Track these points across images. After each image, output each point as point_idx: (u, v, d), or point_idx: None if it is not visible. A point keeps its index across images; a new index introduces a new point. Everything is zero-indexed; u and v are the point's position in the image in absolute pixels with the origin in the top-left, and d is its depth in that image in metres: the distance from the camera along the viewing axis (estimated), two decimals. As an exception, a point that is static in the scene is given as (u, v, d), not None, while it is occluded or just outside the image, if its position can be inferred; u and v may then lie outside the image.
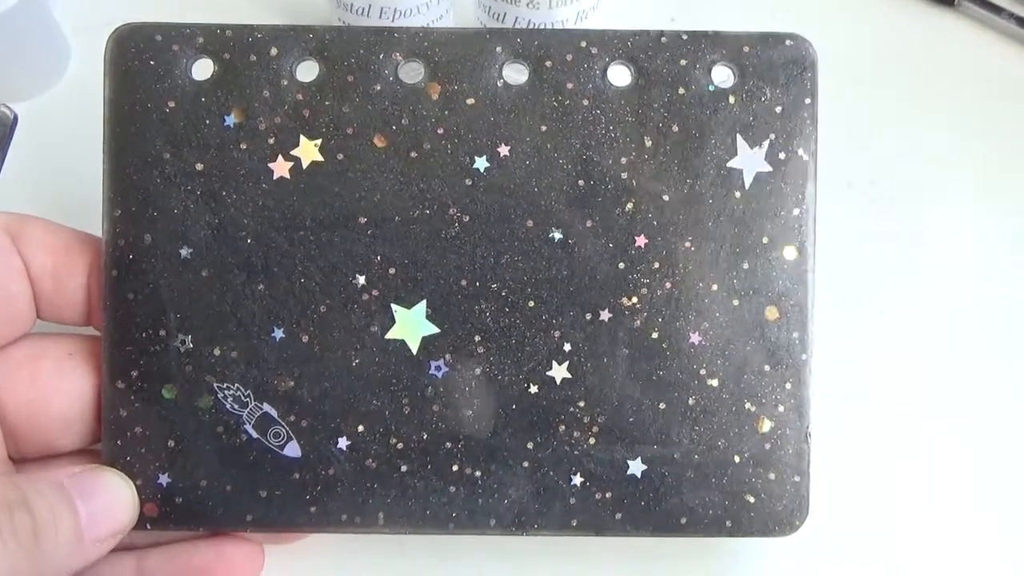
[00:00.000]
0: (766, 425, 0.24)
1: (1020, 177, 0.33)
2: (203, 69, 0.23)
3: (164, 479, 0.23)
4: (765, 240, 0.24)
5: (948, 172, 0.33)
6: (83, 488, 0.22)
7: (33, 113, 0.32)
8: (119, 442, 0.23)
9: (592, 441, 0.23)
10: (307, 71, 0.23)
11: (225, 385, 0.23)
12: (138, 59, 0.23)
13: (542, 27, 0.30)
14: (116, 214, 0.23)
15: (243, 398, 0.23)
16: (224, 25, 0.23)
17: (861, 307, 0.30)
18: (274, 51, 0.23)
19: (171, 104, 0.23)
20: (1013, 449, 0.29)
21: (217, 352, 0.23)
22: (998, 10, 0.35)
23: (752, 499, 0.24)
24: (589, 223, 0.23)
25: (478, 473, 0.23)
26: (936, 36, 0.36)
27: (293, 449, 0.23)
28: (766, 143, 0.24)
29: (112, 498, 0.22)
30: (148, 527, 0.23)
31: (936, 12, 0.36)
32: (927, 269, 0.31)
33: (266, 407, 0.23)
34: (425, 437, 0.23)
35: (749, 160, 0.24)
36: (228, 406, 0.23)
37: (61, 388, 0.23)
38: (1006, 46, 0.35)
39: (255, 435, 0.23)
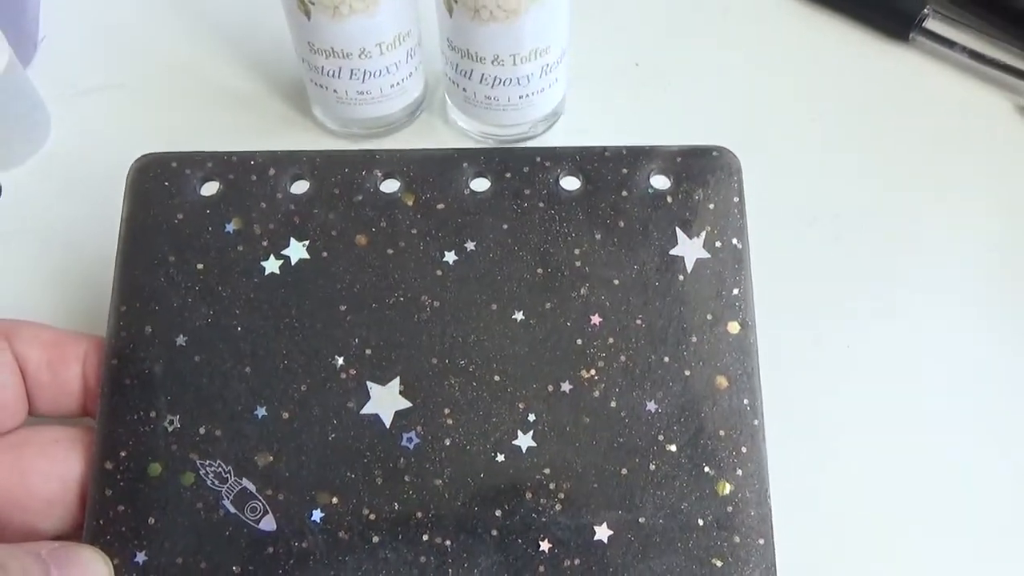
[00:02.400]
0: (726, 488, 0.27)
1: (981, 206, 0.38)
2: (210, 188, 0.30)
3: (141, 557, 0.26)
4: (709, 317, 0.28)
5: (909, 203, 0.38)
6: (59, 560, 0.25)
7: (17, 181, 0.37)
8: (101, 521, 0.27)
9: (558, 507, 0.27)
10: (299, 187, 0.30)
11: (207, 462, 0.27)
12: (155, 182, 0.30)
13: (507, 82, 0.36)
14: (122, 309, 0.28)
15: (224, 474, 0.27)
16: (230, 152, 0.30)
17: (829, 342, 0.35)
18: (271, 172, 0.30)
19: (180, 216, 0.29)
20: (983, 493, 0.32)
21: (203, 431, 0.27)
22: (951, 44, 0.42)
23: (719, 563, 0.26)
24: (548, 305, 0.28)
25: (448, 542, 0.26)
26: (892, 70, 0.42)
27: (269, 523, 0.26)
28: (703, 234, 0.29)
29: (87, 572, 0.25)
30: (121, 606, 0.26)
31: (891, 47, 0.43)
32: (894, 301, 0.36)
33: (245, 482, 0.27)
34: (397, 508, 0.27)
35: (689, 248, 0.29)
36: (209, 482, 0.27)
37: (44, 471, 0.27)
38: (960, 79, 0.42)
39: (233, 510, 0.27)
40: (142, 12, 0.45)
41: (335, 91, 0.38)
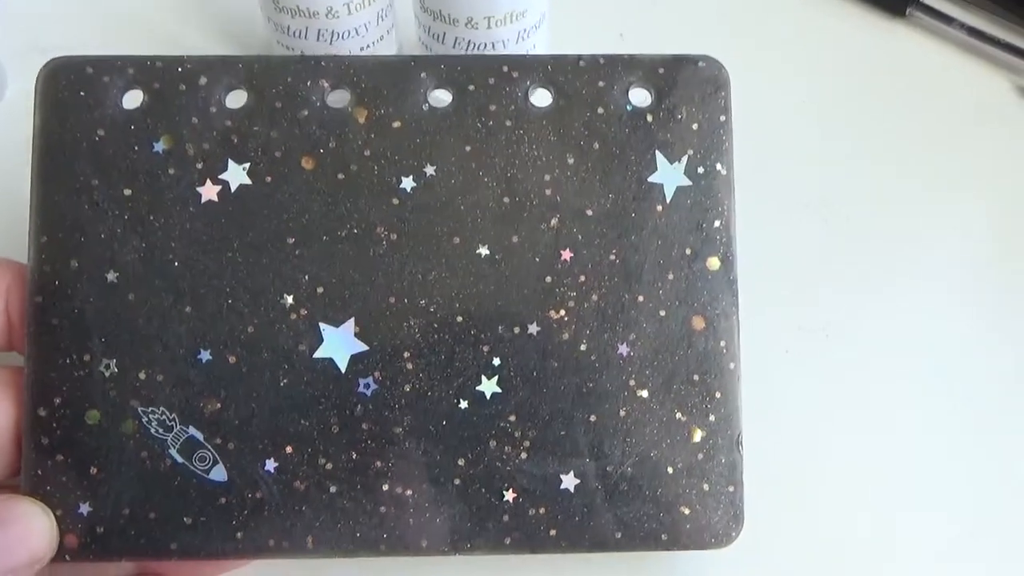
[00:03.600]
0: (698, 435, 0.27)
1: (976, 189, 0.38)
2: (133, 99, 0.27)
3: (85, 508, 0.26)
4: (688, 251, 0.27)
5: (903, 185, 0.38)
6: None
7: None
8: (39, 471, 0.26)
9: (524, 456, 0.26)
10: (236, 99, 0.27)
11: (150, 409, 0.26)
12: (69, 91, 0.27)
13: (482, 46, 0.34)
14: (42, 240, 0.26)
15: (168, 422, 0.26)
16: (154, 57, 0.27)
17: (813, 326, 0.35)
18: (203, 80, 0.27)
19: (100, 133, 0.27)
20: (950, 465, 0.33)
21: (142, 376, 0.26)
22: (949, 20, 0.41)
23: (687, 511, 0.26)
24: (515, 239, 0.27)
25: (409, 492, 0.26)
26: (888, 47, 0.41)
27: (219, 473, 0.26)
28: (685, 158, 0.27)
29: (28, 527, 0.25)
30: (68, 559, 0.26)
31: (887, 23, 0.41)
32: (882, 288, 0.36)
33: (192, 430, 0.26)
34: (355, 457, 0.26)
35: (669, 175, 0.27)
36: (153, 430, 0.26)
37: None
38: (958, 56, 0.41)
39: (180, 460, 0.26)
40: None
41: (302, 52, 0.35)
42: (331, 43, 0.35)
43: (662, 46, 0.36)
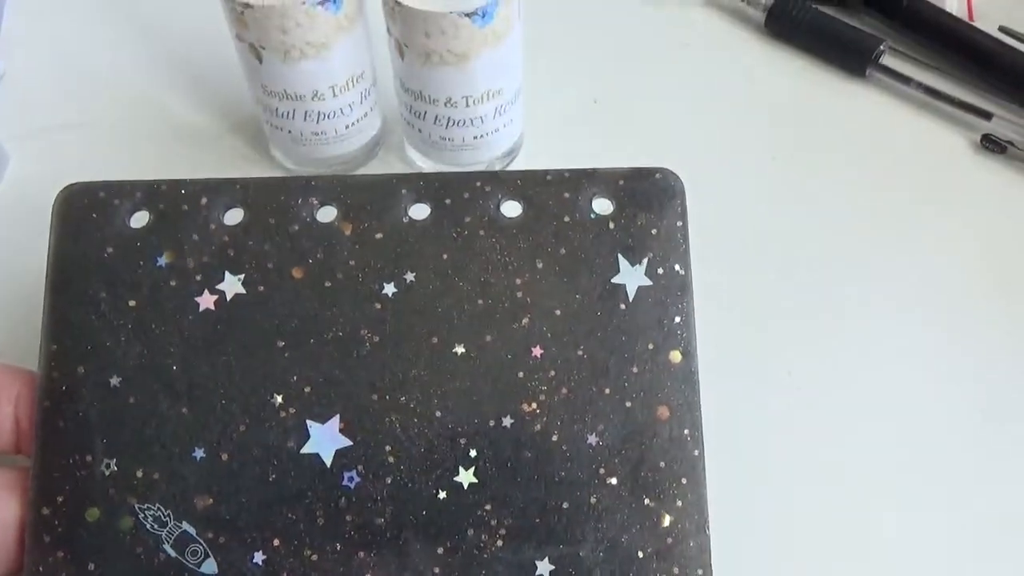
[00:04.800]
0: (666, 520, 0.29)
1: (936, 243, 0.40)
2: (140, 219, 0.31)
3: (82, 603, 0.27)
4: (651, 346, 0.30)
5: (861, 240, 0.40)
6: None
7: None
8: (41, 568, 0.28)
9: (500, 544, 0.28)
10: (233, 216, 0.31)
11: (146, 506, 0.28)
12: (82, 212, 0.30)
13: (461, 122, 0.38)
14: (52, 349, 0.29)
15: (163, 517, 0.28)
16: (160, 181, 0.31)
17: (775, 377, 0.37)
18: (204, 200, 0.30)
19: (109, 250, 0.30)
20: (921, 515, 0.34)
21: (140, 474, 0.28)
22: (907, 80, 0.45)
23: (659, 595, 0.28)
24: (489, 338, 0.30)
25: (391, 581, 0.28)
26: (849, 106, 0.44)
27: (210, 566, 0.28)
28: (645, 261, 0.30)
29: None
30: (63, 654, 0.27)
31: (848, 84, 0.45)
32: (839, 341, 0.38)
33: (185, 525, 0.28)
34: (339, 548, 0.28)
35: (631, 276, 0.30)
36: (148, 526, 0.28)
37: None
38: (917, 115, 0.44)
39: (173, 554, 0.28)
40: (104, 49, 0.47)
41: (290, 132, 0.39)
42: (317, 122, 0.38)
43: (634, 110, 0.39)
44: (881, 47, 0.45)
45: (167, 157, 0.43)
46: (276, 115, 0.39)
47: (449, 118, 0.38)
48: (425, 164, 0.42)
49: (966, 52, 0.45)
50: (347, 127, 0.39)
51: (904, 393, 0.37)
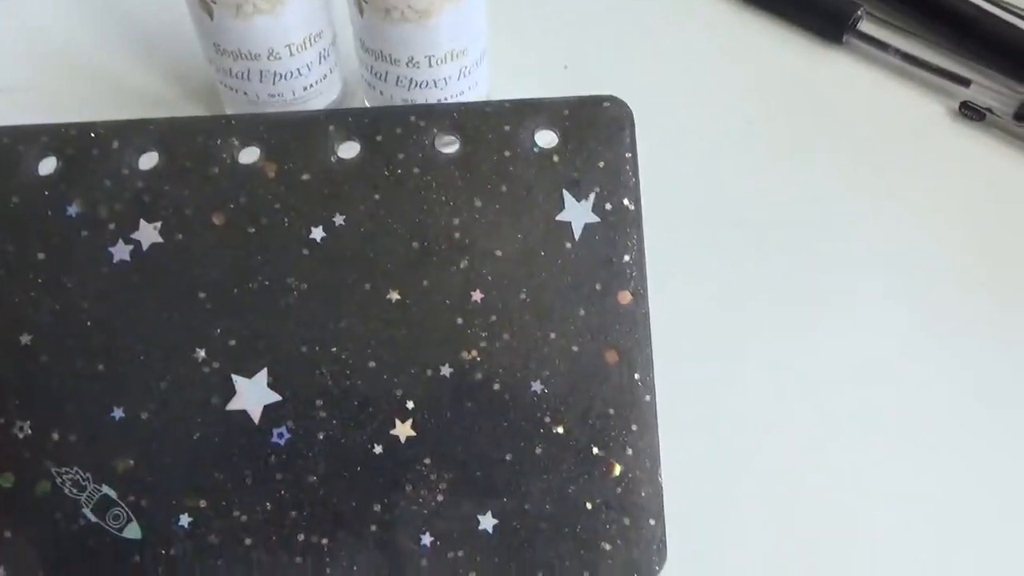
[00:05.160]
0: (616, 469, 0.27)
1: (912, 214, 0.39)
2: (47, 165, 0.28)
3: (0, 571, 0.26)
4: (599, 287, 0.28)
5: (836, 209, 0.39)
6: None
7: None
8: (-47, 538, 0.26)
9: (441, 499, 0.27)
10: (147, 161, 0.29)
11: (63, 469, 0.27)
12: (-16, 160, 0.28)
13: (424, 84, 0.36)
14: (-42, 307, 0.27)
15: (82, 481, 0.27)
16: (69, 124, 0.29)
17: (747, 349, 0.35)
18: (115, 144, 0.29)
19: (15, 200, 0.28)
20: (877, 487, 0.33)
21: (56, 436, 0.27)
22: (884, 46, 0.43)
23: (608, 546, 0.27)
24: (426, 282, 0.28)
25: (324, 541, 0.27)
26: (826, 73, 0.43)
27: (133, 531, 0.27)
28: (592, 196, 0.29)
29: None
30: (-20, 626, 0.26)
31: (824, 50, 0.43)
32: (814, 309, 0.36)
33: (105, 489, 0.27)
34: (269, 507, 0.27)
35: (577, 212, 0.29)
36: (66, 490, 0.27)
37: None
38: (894, 82, 0.43)
39: (94, 519, 0.27)
40: (55, 14, 0.45)
41: (246, 94, 0.37)
42: (273, 83, 0.36)
43: (607, 75, 0.37)
44: (858, 12, 0.44)
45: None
46: (230, 75, 0.37)
47: (411, 79, 0.36)
48: None
49: (945, 18, 0.44)
50: (305, 89, 0.37)
51: (872, 358, 0.35)
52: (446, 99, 0.37)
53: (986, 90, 0.41)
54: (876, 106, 0.42)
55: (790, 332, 0.36)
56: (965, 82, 0.41)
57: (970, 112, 0.41)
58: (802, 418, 0.34)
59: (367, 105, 0.39)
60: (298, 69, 0.37)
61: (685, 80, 0.42)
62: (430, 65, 0.35)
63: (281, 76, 0.37)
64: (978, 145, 0.41)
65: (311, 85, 0.38)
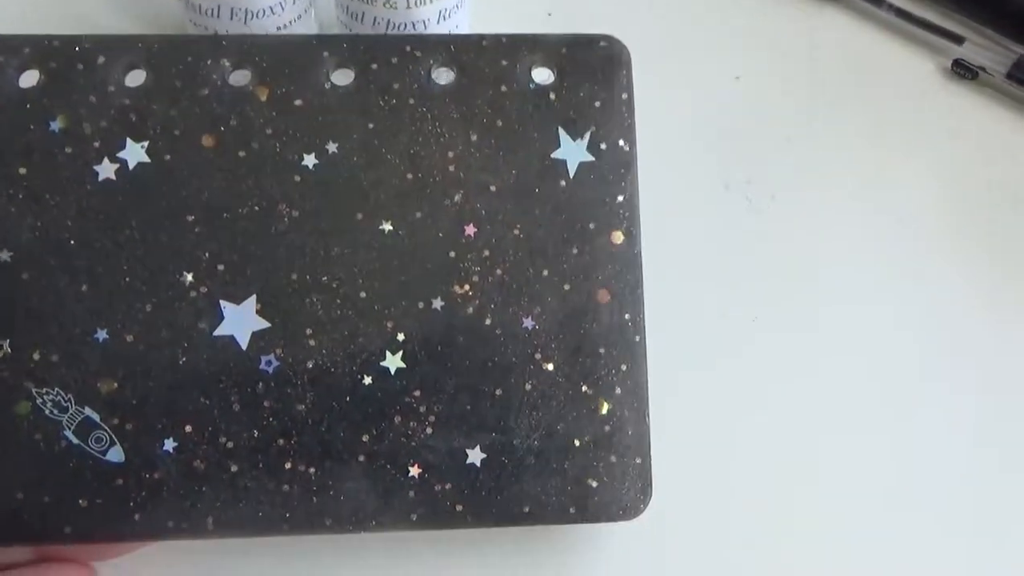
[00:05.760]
0: (604, 407, 0.28)
1: (902, 175, 0.39)
2: (29, 78, 0.28)
3: (-24, 493, 0.26)
4: (592, 226, 0.28)
5: (827, 169, 0.39)
6: None
7: None
8: (-73, 457, 0.26)
9: (429, 431, 0.27)
10: (135, 78, 0.28)
11: (44, 390, 0.26)
12: (-38, 69, 0.27)
13: (401, 27, 0.35)
14: (-67, 220, 0.27)
15: (63, 403, 0.26)
16: (51, 36, 0.28)
17: (735, 313, 0.36)
18: (101, 60, 0.28)
19: (-5, 112, 0.27)
20: (865, 446, 0.34)
21: (37, 356, 0.26)
22: (878, 2, 0.42)
23: (595, 483, 0.27)
24: (419, 214, 0.28)
25: (312, 470, 0.27)
26: (818, 28, 0.42)
27: (116, 454, 0.26)
28: (587, 135, 0.29)
29: None
30: (-43, 545, 0.26)
31: (817, 5, 0.43)
32: (805, 274, 0.37)
33: (88, 411, 0.26)
34: (256, 435, 0.27)
35: (572, 151, 0.29)
36: (47, 411, 0.26)
37: None
38: (886, 37, 0.42)
39: (75, 441, 0.26)
40: None
41: (216, 32, 0.36)
42: (245, 23, 0.35)
43: (590, 25, 0.37)
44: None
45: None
46: (199, 12, 0.35)
47: (389, 20, 0.35)
48: None
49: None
50: (278, 29, 0.36)
51: (859, 323, 0.36)
52: None
53: (979, 48, 0.41)
54: (866, 62, 0.42)
55: (781, 280, 0.36)
56: (958, 39, 0.41)
57: (962, 70, 0.41)
58: (796, 362, 0.35)
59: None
60: (271, 7, 0.36)
61: (671, 34, 0.42)
62: (408, 6, 0.35)
63: (253, 14, 0.36)
64: (969, 103, 0.41)
65: (284, 26, 0.37)
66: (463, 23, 0.37)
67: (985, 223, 0.38)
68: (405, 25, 0.35)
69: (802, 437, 0.33)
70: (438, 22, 0.36)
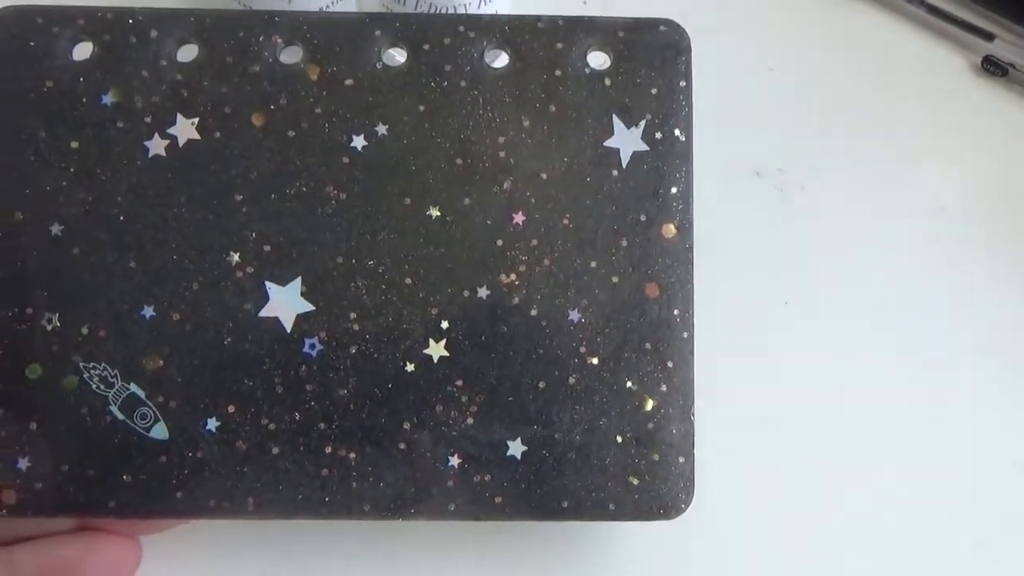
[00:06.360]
0: (649, 404, 0.27)
1: (931, 169, 0.38)
2: (83, 50, 0.28)
3: (23, 463, 0.27)
4: (643, 218, 0.28)
5: (857, 161, 0.38)
6: None
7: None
8: (-22, 425, 0.26)
9: (470, 421, 0.27)
10: (187, 53, 0.28)
11: (92, 364, 0.27)
12: (18, 40, 0.28)
13: (443, 7, 0.35)
14: (-14, 192, 0.27)
15: (110, 378, 0.27)
16: (105, 8, 0.28)
17: (766, 298, 0.35)
18: (154, 33, 0.28)
19: (49, 84, 0.27)
20: (902, 440, 0.34)
21: (85, 331, 0.27)
22: None
23: (636, 481, 0.27)
24: (467, 201, 0.28)
25: (352, 455, 0.27)
26: (846, 22, 0.42)
27: (160, 431, 0.27)
28: (642, 123, 0.28)
29: None
30: (4, 513, 0.26)
31: (849, 0, 0.42)
32: (835, 260, 0.36)
33: (133, 387, 0.27)
34: (298, 418, 0.27)
35: (626, 140, 0.28)
36: (94, 386, 0.27)
37: None
38: (916, 33, 0.42)
39: (120, 416, 0.27)
40: None
41: (252, 8, 0.35)
42: (289, 1, 0.35)
43: (625, 10, 0.36)
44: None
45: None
46: None
47: (431, 3, 0.35)
48: (402, 57, 0.38)
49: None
50: (320, 8, 0.36)
51: (894, 315, 0.36)
52: (467, 5, 0.36)
53: (1010, 45, 0.40)
54: (897, 58, 0.41)
55: (810, 268, 0.36)
56: (988, 36, 0.40)
57: (992, 67, 0.40)
58: (844, 370, 0.34)
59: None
60: None
61: (706, 24, 0.41)
62: None
63: None
64: (999, 100, 0.40)
65: (328, 5, 0.36)
66: (504, 4, 0.37)
67: (1014, 216, 0.38)
68: (446, 8, 0.35)
69: (851, 448, 0.33)
70: (479, 7, 0.35)
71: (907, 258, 0.36)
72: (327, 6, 0.35)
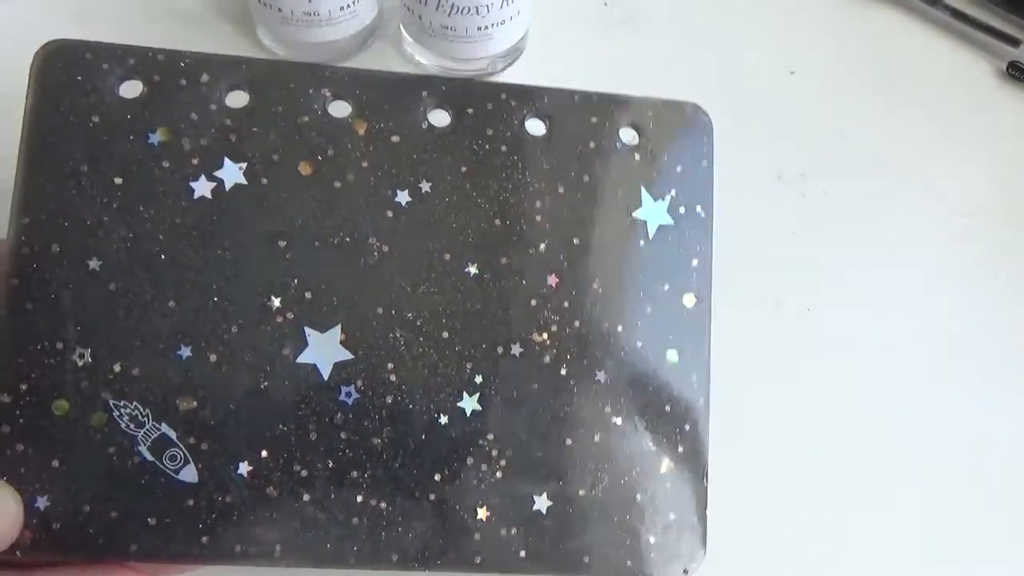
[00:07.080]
0: (665, 465, 0.29)
1: (955, 173, 0.40)
2: (132, 89, 0.28)
3: (42, 502, 0.26)
4: (667, 287, 0.30)
5: (880, 165, 0.40)
6: None
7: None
8: (-3, 461, 0.26)
9: (500, 475, 0.28)
10: (236, 99, 0.29)
11: (122, 403, 0.27)
12: (66, 74, 0.28)
13: (465, 10, 0.36)
14: (24, 222, 0.27)
15: (140, 417, 0.27)
16: (156, 49, 0.28)
17: (788, 301, 0.37)
18: (205, 78, 0.28)
19: (95, 119, 0.28)
20: (929, 462, 0.35)
21: (117, 368, 0.27)
22: (934, 2, 0.44)
23: (653, 539, 0.29)
24: (504, 260, 0.29)
25: (383, 505, 0.27)
26: (868, 27, 0.44)
27: (190, 474, 0.27)
28: (668, 197, 0.30)
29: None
30: (19, 554, 0.26)
31: (873, 4, 0.44)
32: (858, 265, 0.38)
33: (164, 428, 0.27)
34: (331, 465, 0.27)
35: (653, 212, 0.30)
36: (123, 425, 0.26)
37: None
38: (940, 38, 0.44)
39: (149, 457, 0.26)
40: None
41: (280, 10, 0.36)
42: (310, 0, 0.36)
43: (645, 18, 0.37)
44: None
45: (145, 37, 0.39)
46: None
47: (453, 5, 0.36)
48: (424, 58, 0.40)
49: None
50: (342, 8, 0.37)
51: (915, 323, 0.37)
52: (486, 28, 0.38)
53: None
54: (922, 62, 0.43)
55: (832, 271, 0.37)
56: (1014, 42, 0.42)
57: (1018, 72, 0.42)
58: (848, 352, 0.36)
59: (403, 32, 0.40)
60: (340, 6, 0.37)
61: (728, 27, 0.43)
62: None
63: (324, 20, 0.37)
64: None
65: (348, 5, 0.38)
66: (525, 9, 0.38)
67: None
68: (467, 9, 0.36)
69: (860, 509, 0.35)
70: (501, 7, 0.37)
71: (929, 261, 0.38)
72: (347, 5, 0.36)
